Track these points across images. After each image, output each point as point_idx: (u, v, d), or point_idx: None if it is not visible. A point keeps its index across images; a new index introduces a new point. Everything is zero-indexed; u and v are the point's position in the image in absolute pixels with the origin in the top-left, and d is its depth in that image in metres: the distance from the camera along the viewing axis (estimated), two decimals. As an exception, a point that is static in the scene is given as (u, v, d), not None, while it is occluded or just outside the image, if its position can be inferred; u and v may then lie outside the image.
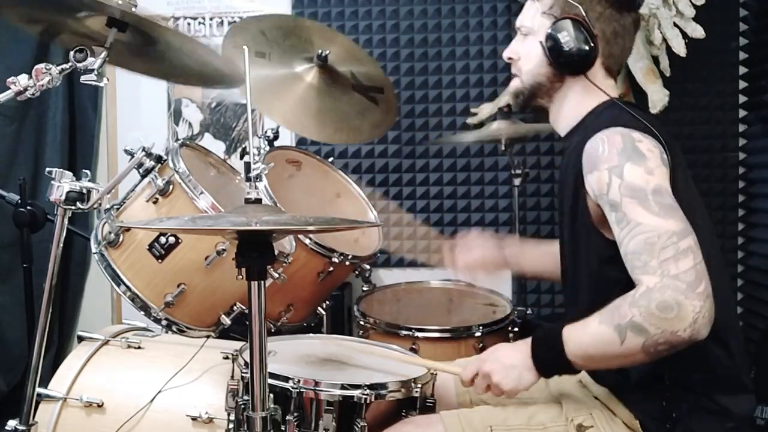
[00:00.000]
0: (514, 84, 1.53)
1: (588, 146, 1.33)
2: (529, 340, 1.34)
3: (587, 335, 1.25)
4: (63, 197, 1.51)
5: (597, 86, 1.44)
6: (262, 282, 1.17)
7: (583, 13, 1.40)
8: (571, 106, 1.48)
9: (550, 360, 1.30)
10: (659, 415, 1.33)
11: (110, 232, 1.62)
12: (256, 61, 2.12)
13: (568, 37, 1.40)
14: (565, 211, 1.45)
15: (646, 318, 1.17)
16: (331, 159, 2.38)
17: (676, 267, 1.18)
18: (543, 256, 1.75)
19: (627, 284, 1.23)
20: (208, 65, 1.62)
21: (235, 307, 1.67)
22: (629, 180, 1.26)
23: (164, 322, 1.63)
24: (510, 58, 1.53)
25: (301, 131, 2.44)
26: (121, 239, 1.61)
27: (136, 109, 3.05)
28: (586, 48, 1.40)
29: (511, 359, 1.34)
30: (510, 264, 1.81)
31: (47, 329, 1.55)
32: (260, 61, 2.14)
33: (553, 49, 1.42)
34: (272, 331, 1.91)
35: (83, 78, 1.39)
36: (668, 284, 1.17)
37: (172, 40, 1.53)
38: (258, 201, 1.21)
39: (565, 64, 1.43)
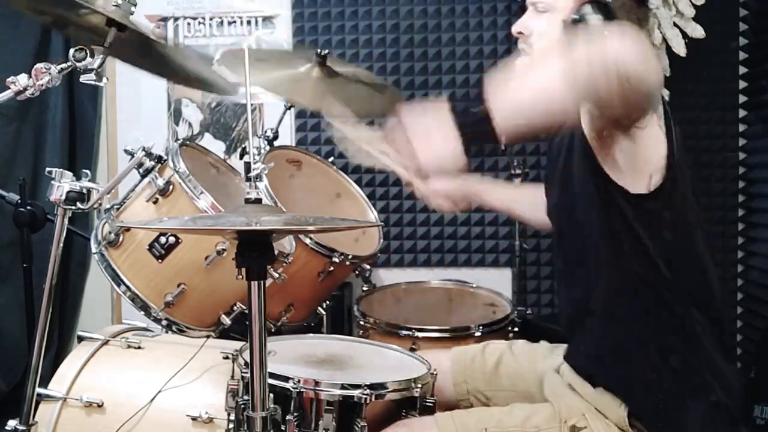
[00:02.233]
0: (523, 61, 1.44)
1: None
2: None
3: (519, 79, 1.19)
4: (63, 197, 1.51)
5: None
6: (262, 282, 1.16)
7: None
8: None
9: (475, 124, 1.24)
10: (650, 413, 1.33)
11: (110, 232, 1.62)
12: (256, 65, 2.11)
13: (597, 21, 1.31)
14: (558, 170, 1.42)
15: (581, 42, 1.09)
16: (331, 159, 2.38)
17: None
18: (516, 196, 1.79)
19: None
20: (205, 72, 1.63)
21: (235, 307, 1.67)
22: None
23: (164, 322, 1.62)
24: (520, 33, 1.45)
25: (307, 103, 2.39)
26: (121, 239, 1.61)
27: (136, 109, 3.05)
28: None
29: (434, 132, 1.24)
30: (476, 193, 1.75)
31: (47, 329, 1.55)
32: (260, 65, 2.13)
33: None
34: (272, 331, 1.91)
35: (83, 77, 1.39)
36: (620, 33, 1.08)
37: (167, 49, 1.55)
38: (258, 201, 1.21)
39: None
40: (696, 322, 1.33)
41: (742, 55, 2.80)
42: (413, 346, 1.97)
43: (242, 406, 1.38)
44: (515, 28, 1.47)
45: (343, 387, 1.37)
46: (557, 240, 1.55)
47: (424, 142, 1.23)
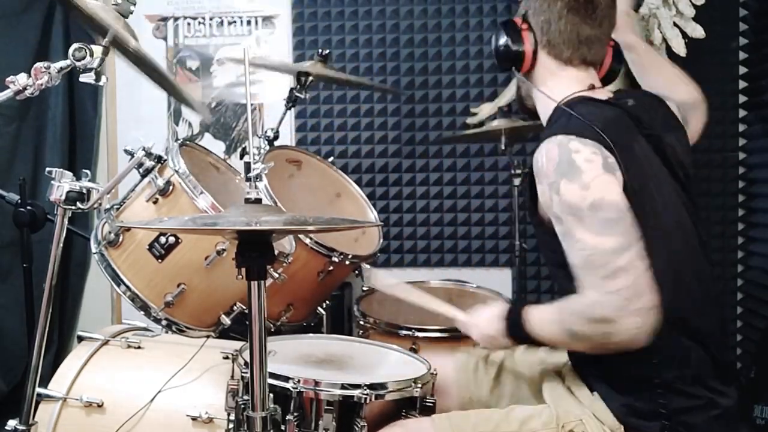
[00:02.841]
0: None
1: (534, 157, 1.37)
2: (503, 318, 1.43)
3: (544, 329, 1.36)
4: (63, 197, 1.51)
5: (541, 90, 1.48)
6: (262, 282, 1.16)
7: (523, 12, 1.48)
8: (541, 105, 1.51)
9: (521, 338, 1.41)
10: (645, 417, 1.33)
11: (110, 232, 1.62)
12: None
13: (494, 39, 1.50)
14: (530, 213, 1.49)
15: (587, 327, 1.25)
16: (331, 159, 2.38)
17: (614, 284, 1.22)
18: None
19: None
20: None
21: (235, 307, 1.67)
22: (566, 197, 1.29)
23: (164, 322, 1.62)
24: None
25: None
26: (121, 239, 1.61)
27: (136, 109, 3.05)
28: (510, 44, 1.47)
29: (490, 331, 1.45)
30: None
31: (47, 329, 1.55)
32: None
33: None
34: (272, 331, 1.91)
35: (82, 77, 1.39)
36: (607, 300, 1.23)
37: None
38: (258, 201, 1.21)
39: (499, 61, 1.51)
40: (679, 346, 1.33)
41: (742, 55, 2.80)
42: (413, 346, 1.97)
43: (242, 406, 1.38)
44: None
45: (343, 387, 1.37)
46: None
47: (482, 338, 1.49)
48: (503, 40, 1.48)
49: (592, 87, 1.46)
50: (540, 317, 1.37)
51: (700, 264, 1.40)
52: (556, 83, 1.47)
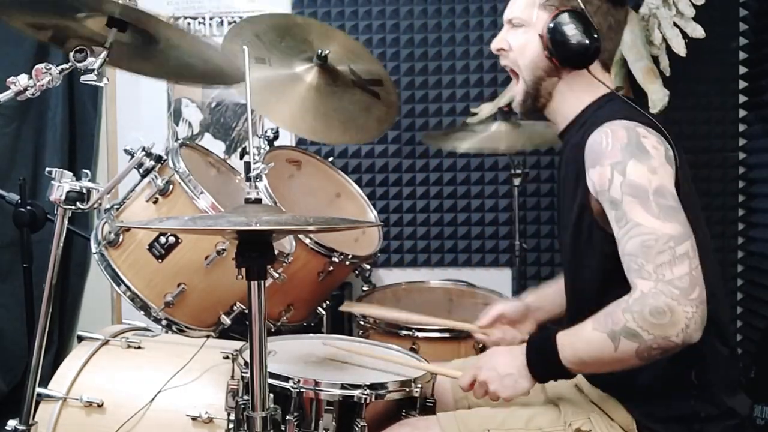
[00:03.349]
0: (519, 87, 1.47)
1: (591, 140, 1.30)
2: (523, 347, 1.34)
3: (581, 341, 1.25)
4: (63, 197, 1.51)
5: (599, 80, 1.41)
6: (262, 282, 1.17)
7: (582, 6, 1.36)
8: (570, 101, 1.44)
9: (545, 367, 1.30)
10: (660, 418, 1.33)
11: (110, 232, 1.62)
12: (256, 67, 2.11)
13: (574, 30, 1.35)
14: (564, 207, 1.43)
15: (640, 324, 1.17)
16: (331, 159, 2.38)
17: (671, 272, 1.17)
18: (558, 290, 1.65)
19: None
20: (209, 62, 1.61)
21: (235, 307, 1.67)
22: (632, 178, 1.23)
23: (164, 322, 1.63)
24: (500, 49, 1.48)
25: (309, 135, 2.41)
26: (121, 239, 1.61)
27: (136, 109, 3.05)
28: (589, 42, 1.36)
29: (507, 367, 1.34)
30: (534, 311, 1.70)
31: (47, 329, 1.55)
32: (261, 67, 2.14)
33: (556, 42, 1.37)
34: (272, 331, 1.91)
35: (83, 78, 1.39)
36: (662, 290, 1.17)
37: (172, 37, 1.53)
38: (258, 201, 1.21)
39: (569, 57, 1.38)
40: (714, 351, 1.32)
41: (742, 55, 2.80)
42: (413, 346, 1.97)
43: (242, 406, 1.38)
44: (494, 45, 1.49)
45: (343, 387, 1.37)
46: (561, 250, 1.55)
47: (504, 387, 1.34)
48: (589, 34, 1.35)
49: (619, 89, 1.46)
50: (575, 335, 1.26)
51: (718, 271, 1.40)
52: (595, 84, 1.42)
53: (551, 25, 1.37)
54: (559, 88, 1.44)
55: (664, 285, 1.17)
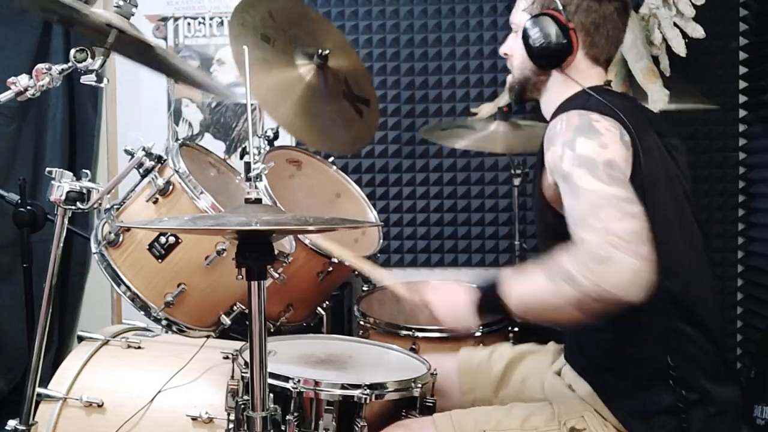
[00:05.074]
0: (508, 79, 1.59)
1: (549, 126, 1.38)
2: (474, 285, 1.36)
3: (525, 282, 1.26)
4: (63, 197, 1.51)
5: (572, 78, 1.46)
6: (262, 282, 1.17)
7: (560, 7, 1.43)
8: (553, 96, 1.51)
9: (491, 306, 1.30)
10: (643, 414, 1.33)
11: (110, 232, 1.62)
12: (260, 44, 2.08)
13: (538, 33, 1.43)
14: (534, 190, 1.47)
15: (578, 268, 1.14)
16: (331, 159, 2.38)
17: (619, 226, 1.15)
18: None
19: None
20: (201, 75, 1.65)
21: (235, 307, 1.67)
22: (580, 151, 1.26)
23: (164, 322, 1.63)
24: (506, 54, 1.59)
25: (285, 125, 2.38)
26: (121, 239, 1.61)
27: (136, 109, 3.05)
28: (559, 42, 1.43)
29: (455, 299, 1.37)
30: None
31: (47, 329, 1.55)
32: (264, 47, 2.11)
33: (527, 45, 1.46)
34: (272, 331, 1.91)
35: (83, 78, 1.39)
36: (607, 239, 1.14)
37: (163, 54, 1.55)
38: (258, 201, 1.21)
39: (540, 58, 1.46)
40: (683, 335, 1.32)
41: (742, 55, 2.80)
42: (413, 346, 1.97)
43: (242, 406, 1.38)
44: (501, 50, 1.61)
45: (343, 387, 1.37)
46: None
47: (446, 313, 1.38)
48: (552, 37, 1.43)
49: (608, 83, 1.51)
50: (521, 276, 1.27)
51: (704, 266, 1.40)
52: (580, 79, 1.47)
53: (524, 28, 1.47)
54: (547, 86, 1.53)
55: (609, 235, 1.14)
